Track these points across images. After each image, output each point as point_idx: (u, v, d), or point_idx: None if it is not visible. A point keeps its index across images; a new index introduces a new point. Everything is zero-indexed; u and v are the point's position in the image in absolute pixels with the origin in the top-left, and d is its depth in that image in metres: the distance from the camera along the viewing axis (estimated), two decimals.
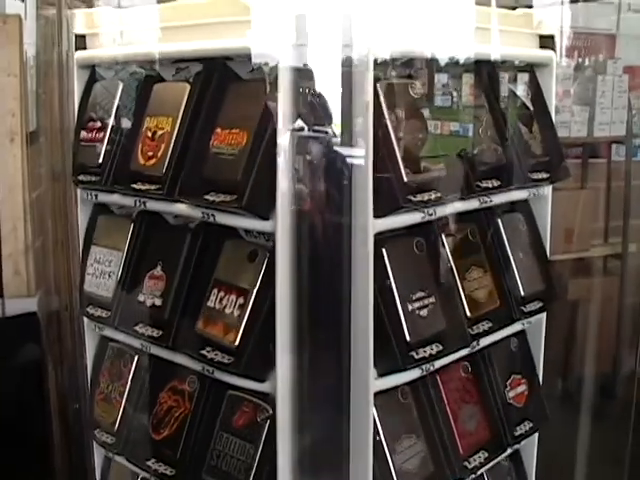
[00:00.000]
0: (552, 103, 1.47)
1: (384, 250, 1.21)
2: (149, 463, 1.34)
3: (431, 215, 1.22)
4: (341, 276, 1.14)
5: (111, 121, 1.40)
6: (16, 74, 1.77)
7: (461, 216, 1.34)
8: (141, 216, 1.38)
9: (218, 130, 1.21)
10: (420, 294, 1.23)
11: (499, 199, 1.38)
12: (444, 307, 1.26)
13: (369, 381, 1.17)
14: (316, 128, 1.16)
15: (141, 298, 1.33)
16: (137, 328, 1.33)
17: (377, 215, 1.14)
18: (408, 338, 1.21)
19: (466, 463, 1.35)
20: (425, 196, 1.20)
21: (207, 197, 1.20)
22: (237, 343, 1.20)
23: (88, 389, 1.48)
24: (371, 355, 1.16)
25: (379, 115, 1.14)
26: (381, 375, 1.20)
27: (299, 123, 1.15)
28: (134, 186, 1.31)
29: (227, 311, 1.22)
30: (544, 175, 1.45)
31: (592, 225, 2.47)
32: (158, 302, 1.31)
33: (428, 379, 1.32)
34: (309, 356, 1.17)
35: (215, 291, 1.24)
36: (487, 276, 1.36)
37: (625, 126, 2.42)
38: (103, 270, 1.41)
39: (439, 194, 1.22)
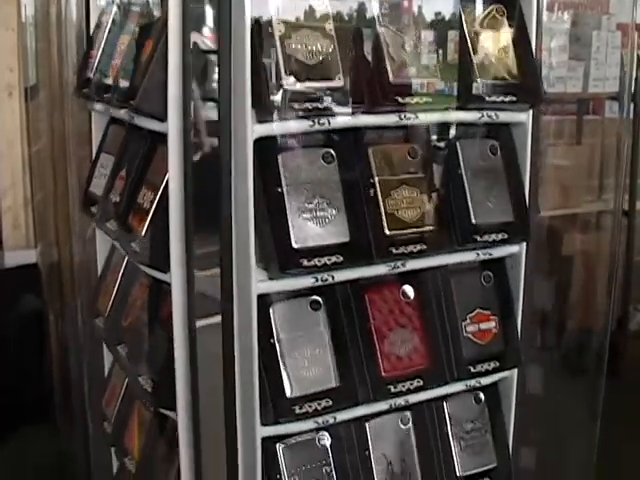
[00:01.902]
0: (532, 30, 1.44)
1: (279, 158, 1.27)
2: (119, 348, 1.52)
3: (323, 125, 1.25)
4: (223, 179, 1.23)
5: None
6: (14, 28, 1.96)
7: (400, 133, 1.36)
8: (128, 125, 1.52)
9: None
10: (314, 203, 1.27)
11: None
12: (351, 219, 1.29)
13: (252, 284, 1.24)
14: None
15: (112, 196, 1.51)
16: (108, 224, 1.51)
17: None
18: (295, 245, 1.25)
19: (390, 386, 1.36)
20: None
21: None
22: (143, 233, 1.33)
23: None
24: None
25: None
26: (271, 278, 1.26)
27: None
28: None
29: (145, 206, 1.36)
30: (512, 98, 1.42)
31: (586, 181, 2.38)
32: (117, 199, 1.49)
33: (351, 295, 1.35)
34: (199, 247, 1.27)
35: (144, 189, 1.39)
36: (422, 197, 1.35)
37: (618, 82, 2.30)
38: (102, 173, 1.60)
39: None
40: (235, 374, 1.26)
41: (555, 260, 1.95)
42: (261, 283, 1.24)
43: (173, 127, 1.23)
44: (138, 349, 1.42)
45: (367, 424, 1.39)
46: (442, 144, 1.39)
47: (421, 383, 1.38)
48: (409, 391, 1.37)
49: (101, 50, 1.56)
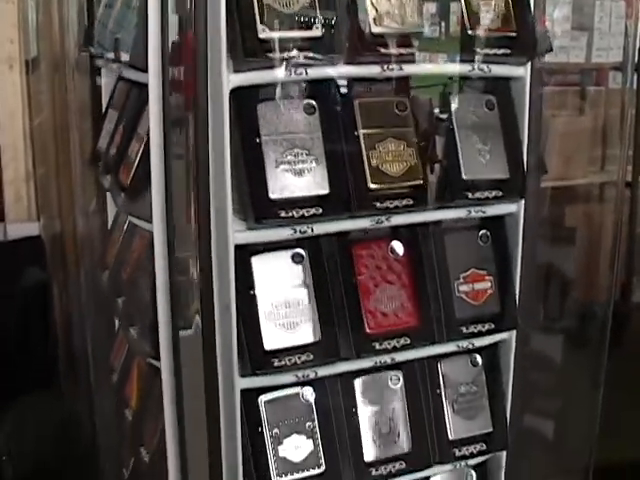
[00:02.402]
0: None
1: (259, 109, 1.29)
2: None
3: (300, 74, 1.25)
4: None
5: None
6: (14, 1, 1.95)
7: (389, 86, 1.36)
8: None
9: None
10: (294, 155, 1.28)
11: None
12: (331, 172, 1.29)
13: (229, 234, 1.25)
14: None
15: (111, 150, 1.56)
16: (106, 177, 1.56)
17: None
18: (272, 196, 1.26)
19: (375, 343, 1.36)
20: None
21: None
22: (128, 183, 1.36)
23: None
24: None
25: None
26: (249, 229, 1.28)
27: None
28: None
29: (132, 158, 1.39)
30: (506, 51, 1.39)
31: (589, 153, 2.30)
32: (114, 152, 1.53)
33: (336, 249, 1.35)
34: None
35: (134, 141, 1.42)
36: (409, 152, 1.34)
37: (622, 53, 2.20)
38: (108, 129, 1.63)
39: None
40: (215, 324, 1.27)
41: (558, 231, 1.92)
42: (239, 233, 1.25)
43: (153, 77, 1.25)
44: (131, 301, 1.45)
45: (355, 382, 1.39)
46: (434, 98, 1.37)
47: (408, 341, 1.37)
48: (395, 349, 1.36)
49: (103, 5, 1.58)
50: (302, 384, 1.34)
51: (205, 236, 1.25)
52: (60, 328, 1.81)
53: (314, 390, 1.36)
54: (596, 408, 1.70)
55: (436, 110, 1.43)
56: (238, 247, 1.26)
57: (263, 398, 1.32)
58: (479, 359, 1.48)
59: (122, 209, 1.44)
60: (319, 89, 1.29)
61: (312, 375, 1.31)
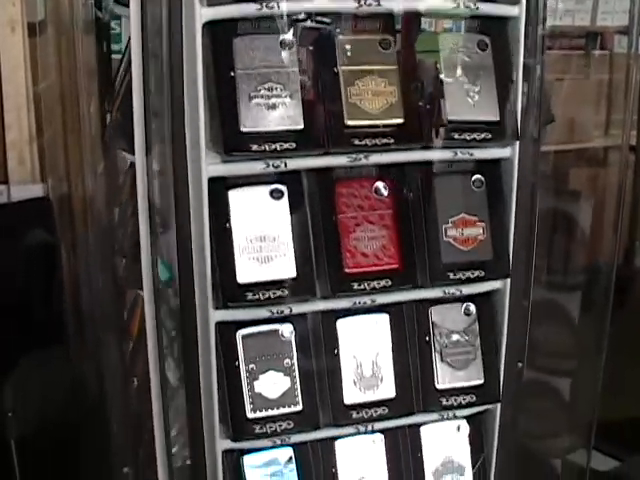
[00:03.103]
0: None
1: (235, 42, 1.32)
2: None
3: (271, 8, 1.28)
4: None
5: None
6: None
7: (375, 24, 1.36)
8: None
9: None
10: (267, 88, 1.30)
11: None
12: (306, 107, 1.31)
13: (202, 166, 1.29)
14: None
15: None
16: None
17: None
18: (244, 129, 1.29)
19: (353, 283, 1.37)
20: None
21: None
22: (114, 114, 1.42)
23: None
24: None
25: None
26: (224, 162, 1.31)
27: None
28: None
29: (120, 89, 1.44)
30: None
31: (594, 117, 2.20)
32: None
33: (317, 186, 1.37)
34: None
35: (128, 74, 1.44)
36: (391, 90, 1.35)
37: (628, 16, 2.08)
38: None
39: None
40: (192, 256, 1.31)
41: (562, 195, 1.89)
42: (212, 166, 1.28)
43: (133, 13, 1.30)
44: (125, 233, 1.51)
45: (337, 323, 1.40)
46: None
47: (389, 283, 1.37)
48: (374, 290, 1.36)
49: None
50: (278, 320, 1.36)
51: (181, 168, 1.28)
52: (68, 287, 1.84)
53: (294, 328, 1.37)
54: (599, 366, 1.66)
55: None
56: (215, 180, 1.29)
57: (241, 333, 1.35)
58: (472, 308, 1.46)
59: (110, 141, 1.49)
60: (298, 24, 1.30)
61: (287, 311, 1.34)
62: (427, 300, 1.44)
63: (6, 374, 1.78)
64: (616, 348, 1.65)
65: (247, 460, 1.40)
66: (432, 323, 1.45)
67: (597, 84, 2.51)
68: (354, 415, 1.40)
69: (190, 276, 1.30)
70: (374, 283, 1.36)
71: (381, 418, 1.42)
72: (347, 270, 1.35)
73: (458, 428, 1.51)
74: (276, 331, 1.37)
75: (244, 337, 1.36)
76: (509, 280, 1.44)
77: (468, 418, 1.51)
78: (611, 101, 2.43)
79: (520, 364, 1.55)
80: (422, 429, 1.49)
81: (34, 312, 1.90)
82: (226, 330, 1.35)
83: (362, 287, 1.35)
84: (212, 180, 1.29)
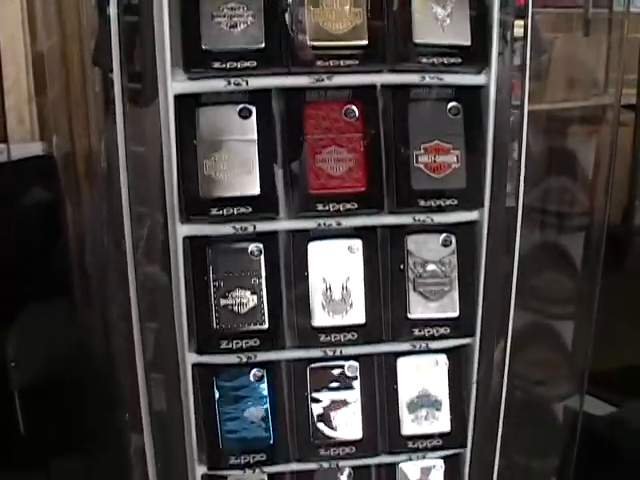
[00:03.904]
0: None
1: None
2: None
3: None
4: None
5: None
6: None
7: None
8: None
9: None
10: (230, 7, 1.36)
11: None
12: (268, 26, 1.37)
13: (168, 84, 1.36)
14: None
15: None
16: None
17: None
18: (205, 47, 1.35)
19: (318, 204, 1.42)
20: None
21: None
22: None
23: None
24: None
25: None
26: (190, 79, 1.37)
27: None
28: None
29: None
30: None
31: (593, 75, 2.07)
32: None
33: (286, 108, 1.42)
34: None
35: None
36: (356, 11, 1.38)
37: None
38: None
39: None
40: (164, 171, 1.38)
41: (559, 154, 1.86)
42: (177, 84, 1.36)
43: None
44: None
45: (309, 245, 1.45)
46: None
47: (355, 206, 1.41)
48: (339, 212, 1.40)
49: None
50: (245, 239, 1.41)
51: (150, 81, 1.36)
52: (73, 243, 1.88)
53: (264, 247, 1.42)
54: (590, 318, 1.65)
55: None
56: (183, 98, 1.36)
57: (210, 248, 1.41)
58: (452, 239, 1.47)
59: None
60: None
61: (250, 229, 1.40)
62: (404, 228, 1.45)
63: (8, 325, 1.89)
64: (617, 304, 1.63)
65: (219, 376, 1.46)
66: (407, 251, 1.46)
67: (596, 42, 2.44)
68: (322, 338, 1.44)
69: (156, 192, 1.37)
70: (339, 205, 1.39)
71: (349, 343, 1.44)
72: (311, 191, 1.39)
73: (436, 362, 1.52)
74: (245, 249, 1.42)
75: (213, 253, 1.42)
76: (486, 211, 1.44)
77: (447, 353, 1.52)
78: (609, 60, 2.37)
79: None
80: (398, 361, 1.51)
81: (38, 266, 1.99)
82: (196, 245, 1.41)
83: (327, 208, 1.39)
84: (180, 98, 1.35)
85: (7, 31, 2.13)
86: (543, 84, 1.63)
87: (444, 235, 1.46)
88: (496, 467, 1.59)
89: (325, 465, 1.49)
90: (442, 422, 1.51)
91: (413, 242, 1.46)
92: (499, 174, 1.44)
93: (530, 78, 1.47)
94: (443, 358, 1.50)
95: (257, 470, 1.49)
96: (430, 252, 1.46)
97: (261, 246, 1.41)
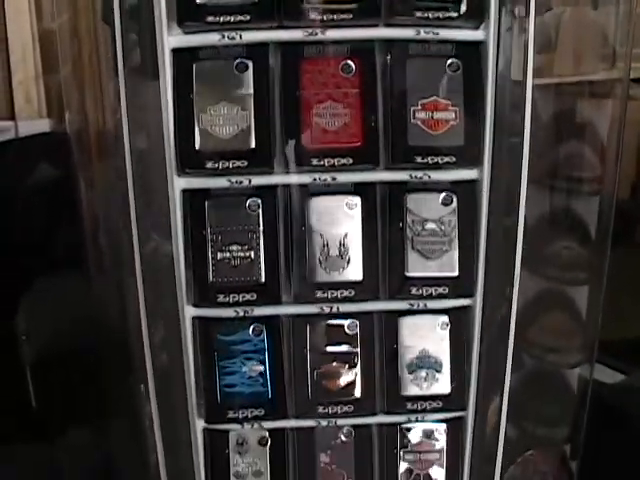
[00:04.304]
0: None
1: None
2: None
3: None
4: None
5: None
6: None
7: None
8: None
9: None
10: None
11: None
12: None
13: (164, 37, 1.40)
14: None
15: None
16: None
17: None
18: (199, 1, 1.38)
19: (313, 159, 1.43)
20: None
21: None
22: None
23: None
24: None
25: None
26: (186, 33, 1.40)
27: None
28: None
29: None
30: None
31: (601, 49, 1.99)
32: None
33: (282, 61, 1.45)
34: None
35: None
36: None
37: None
38: None
39: None
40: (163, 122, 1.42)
41: (567, 127, 1.84)
42: (173, 37, 1.39)
43: None
44: None
45: (310, 201, 1.47)
46: None
47: (350, 161, 1.43)
48: (334, 167, 1.42)
49: None
50: (243, 194, 1.44)
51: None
52: (87, 218, 1.87)
53: (262, 202, 1.45)
54: (600, 284, 1.63)
55: None
56: (179, 52, 1.40)
57: (208, 202, 1.45)
58: (453, 198, 1.48)
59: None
60: None
61: (246, 182, 1.42)
62: (403, 186, 1.46)
63: (19, 299, 1.92)
64: (626, 276, 1.62)
65: (218, 330, 1.49)
66: (406, 209, 1.47)
67: (605, 15, 2.38)
68: (318, 294, 1.47)
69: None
70: (334, 160, 1.41)
71: (346, 300, 1.46)
72: (306, 145, 1.41)
73: (438, 323, 1.53)
74: (243, 204, 1.45)
75: (211, 206, 1.45)
76: (486, 170, 1.44)
77: (449, 314, 1.52)
78: (618, 34, 2.31)
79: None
80: (399, 320, 1.52)
81: (47, 241, 2.01)
82: (194, 199, 1.44)
83: (321, 163, 1.41)
84: (177, 52, 1.39)
85: (13, 8, 2.13)
86: (550, 57, 1.61)
87: (444, 194, 1.46)
88: (502, 434, 1.58)
89: (323, 423, 1.49)
90: (442, 384, 1.51)
91: (413, 200, 1.46)
92: (500, 133, 1.43)
93: (537, 52, 1.46)
94: (445, 319, 1.50)
95: (256, 425, 1.50)
96: (430, 211, 1.47)
97: (259, 201, 1.43)
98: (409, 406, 1.52)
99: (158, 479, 1.61)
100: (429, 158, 1.43)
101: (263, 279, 1.45)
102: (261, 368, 1.50)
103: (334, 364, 1.51)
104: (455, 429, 1.56)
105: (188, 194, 1.45)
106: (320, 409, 1.50)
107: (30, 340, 1.94)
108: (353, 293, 1.46)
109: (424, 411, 1.52)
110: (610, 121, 1.80)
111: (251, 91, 1.42)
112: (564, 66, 1.65)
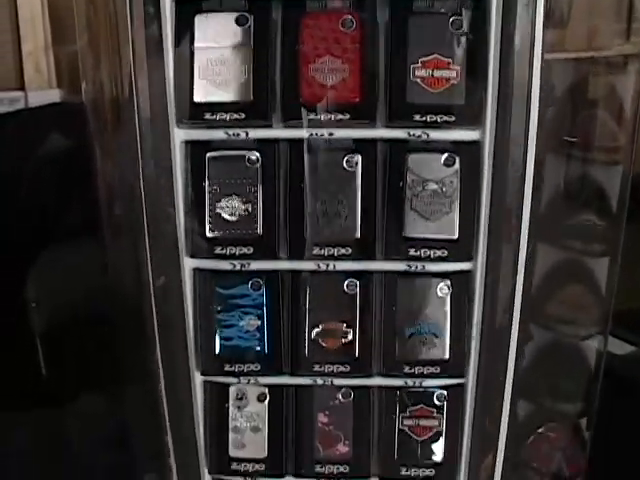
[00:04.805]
0: None
1: None
2: None
3: None
4: None
5: None
6: None
7: None
8: None
9: None
10: None
11: None
12: None
13: None
14: None
15: None
16: None
17: None
18: None
19: (310, 113, 1.45)
20: None
21: None
22: None
23: None
24: None
25: None
26: None
27: None
28: None
29: None
30: None
31: (615, 24, 1.86)
32: None
33: (282, 17, 1.47)
34: None
35: None
36: None
37: None
38: None
39: None
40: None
41: (580, 104, 1.80)
42: None
43: None
44: None
45: (310, 157, 1.49)
46: None
47: (347, 116, 1.43)
48: (330, 122, 1.43)
49: None
50: (243, 147, 1.47)
51: None
52: (102, 187, 1.84)
53: (262, 156, 1.48)
54: (616, 255, 1.60)
55: None
56: (180, 5, 1.44)
57: (209, 154, 1.49)
58: (456, 160, 1.47)
59: None
60: None
61: (243, 135, 1.45)
62: (405, 145, 1.46)
63: (29, 267, 1.95)
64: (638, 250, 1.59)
65: (217, 283, 1.53)
66: (407, 169, 1.47)
67: None
68: (315, 251, 1.48)
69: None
70: (331, 115, 1.42)
71: (341, 257, 1.48)
72: (302, 99, 1.43)
73: (438, 287, 1.53)
74: (243, 157, 1.48)
75: (211, 158, 1.49)
76: (488, 130, 1.43)
77: (450, 279, 1.52)
78: (633, 8, 2.22)
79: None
80: (398, 282, 1.52)
81: (58, 209, 2.05)
82: (195, 151, 1.48)
83: (318, 117, 1.42)
84: (179, 5, 1.43)
85: None
86: (563, 32, 1.59)
87: (447, 155, 1.45)
88: (507, 405, 1.57)
89: (319, 381, 1.51)
90: (441, 349, 1.51)
91: (414, 160, 1.47)
92: (504, 94, 1.42)
93: (550, 27, 1.45)
94: (445, 283, 1.50)
95: (252, 380, 1.53)
96: (431, 172, 1.46)
97: (259, 154, 1.45)
98: (406, 370, 1.52)
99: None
100: (428, 116, 1.43)
101: (260, 232, 1.47)
102: (258, 323, 1.52)
103: (332, 323, 1.51)
104: (455, 397, 1.55)
105: (189, 146, 1.48)
106: (316, 367, 1.52)
107: (40, 308, 1.97)
108: (350, 251, 1.47)
109: (422, 376, 1.52)
110: (624, 98, 1.77)
111: (251, 44, 1.44)
112: (577, 41, 1.62)
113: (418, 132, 1.38)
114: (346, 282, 1.49)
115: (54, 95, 2.26)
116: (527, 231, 1.45)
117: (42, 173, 2.15)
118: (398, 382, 1.49)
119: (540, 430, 1.76)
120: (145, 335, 1.65)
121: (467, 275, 1.45)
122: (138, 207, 1.55)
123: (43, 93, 2.23)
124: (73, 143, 2.13)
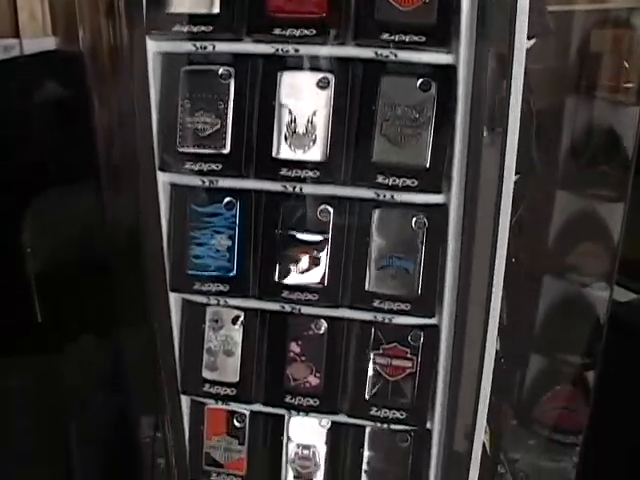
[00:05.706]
0: None
1: None
2: None
3: None
4: None
5: None
6: None
7: None
8: None
9: None
10: None
11: None
12: None
13: None
14: None
15: None
16: None
17: None
18: None
19: (276, 29, 1.44)
20: None
21: None
22: None
23: None
24: None
25: None
26: None
27: None
28: None
29: None
30: None
31: None
32: None
33: None
34: None
35: None
36: None
37: None
38: None
39: None
40: None
41: (582, 57, 1.68)
42: None
43: None
44: None
45: (282, 75, 1.48)
46: None
47: (313, 32, 1.40)
48: (295, 38, 1.41)
49: None
50: (216, 62, 1.48)
51: None
52: (101, 135, 1.92)
53: (235, 71, 1.49)
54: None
55: None
56: None
57: (184, 68, 1.51)
58: (432, 85, 1.43)
59: None
60: None
61: (210, 48, 1.46)
62: (379, 67, 1.43)
63: (24, 212, 1.99)
64: None
65: (192, 200, 1.56)
66: (380, 92, 1.44)
67: None
68: (282, 172, 1.48)
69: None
70: (297, 31, 1.40)
71: (309, 180, 1.47)
72: (269, 14, 1.41)
73: (413, 221, 1.49)
74: (216, 72, 1.49)
75: (184, 72, 1.50)
76: (462, 53, 1.38)
77: (426, 214, 1.48)
78: None
79: None
80: (373, 215, 1.50)
81: (54, 156, 2.07)
82: (170, 63, 1.51)
83: (284, 33, 1.41)
84: None
85: None
86: None
87: (422, 79, 1.41)
88: (489, 352, 1.52)
89: (287, 308, 1.51)
90: (411, 285, 1.48)
91: (387, 83, 1.43)
92: (482, 14, 1.36)
93: None
94: (419, 218, 1.47)
95: (223, 301, 1.56)
96: (405, 96, 1.42)
97: (231, 70, 1.46)
98: (376, 304, 1.50)
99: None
100: (396, 35, 1.38)
101: (228, 149, 1.48)
102: (229, 243, 1.54)
103: (303, 248, 1.51)
104: (431, 338, 1.52)
105: (165, 58, 1.50)
106: (285, 293, 1.52)
107: (35, 253, 2.01)
108: (317, 174, 1.46)
109: (391, 312, 1.49)
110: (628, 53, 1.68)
111: None
112: None
113: (386, 52, 1.34)
114: (320, 208, 1.46)
115: (49, 43, 2.25)
116: (513, 162, 1.38)
117: (37, 119, 2.15)
118: (367, 316, 1.46)
119: (551, 390, 1.72)
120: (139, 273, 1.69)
121: (442, 209, 1.40)
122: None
123: (38, 41, 2.21)
124: (68, 90, 2.15)
